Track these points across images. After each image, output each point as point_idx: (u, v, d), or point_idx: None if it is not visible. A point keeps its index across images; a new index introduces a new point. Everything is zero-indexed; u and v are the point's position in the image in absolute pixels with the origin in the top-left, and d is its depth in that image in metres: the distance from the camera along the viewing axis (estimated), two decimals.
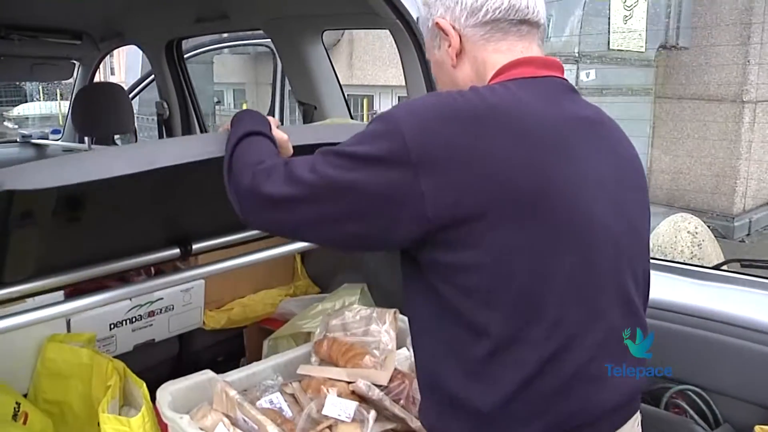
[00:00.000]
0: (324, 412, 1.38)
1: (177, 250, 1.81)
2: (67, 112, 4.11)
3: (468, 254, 0.95)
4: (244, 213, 1.13)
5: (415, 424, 1.49)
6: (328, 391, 1.48)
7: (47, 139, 4.20)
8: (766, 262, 1.74)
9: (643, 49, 6.80)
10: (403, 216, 0.95)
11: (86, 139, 2.88)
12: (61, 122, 10.96)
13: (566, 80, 1.12)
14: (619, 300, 1.05)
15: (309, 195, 1.01)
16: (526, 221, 0.95)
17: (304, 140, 1.56)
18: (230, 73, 12.62)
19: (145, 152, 1.38)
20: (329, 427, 1.37)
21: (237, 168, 1.17)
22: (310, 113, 2.54)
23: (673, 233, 3.95)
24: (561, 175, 0.98)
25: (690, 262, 3.54)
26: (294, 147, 1.41)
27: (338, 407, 1.38)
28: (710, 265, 1.79)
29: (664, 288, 1.69)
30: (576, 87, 1.22)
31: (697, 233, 4.01)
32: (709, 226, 7.10)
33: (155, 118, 4.85)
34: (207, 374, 1.53)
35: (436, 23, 1.12)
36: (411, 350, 1.14)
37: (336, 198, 0.99)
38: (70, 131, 4.04)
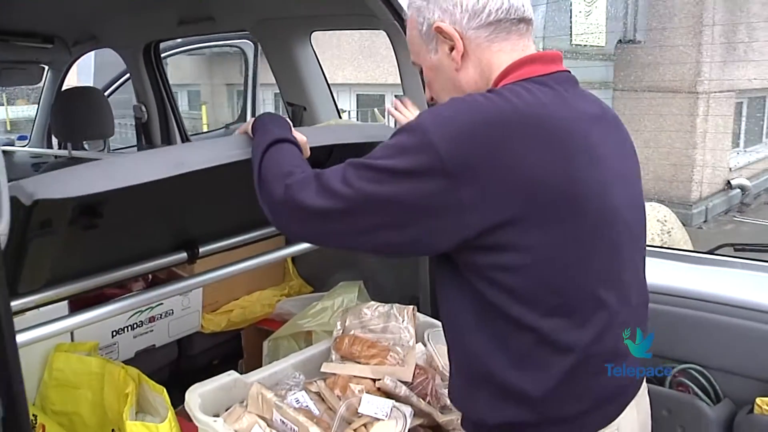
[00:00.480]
0: (360, 410, 1.40)
1: (184, 254, 1.81)
2: (34, 117, 3.99)
3: (508, 256, 0.99)
4: (278, 224, 1.16)
5: (442, 419, 1.53)
6: (357, 391, 1.51)
7: (13, 145, 4.10)
8: (757, 245, 1.84)
9: (603, 44, 6.99)
10: (444, 225, 0.98)
11: (69, 145, 2.82)
12: (9, 127, 10.64)
13: (570, 72, 1.15)
14: (636, 282, 1.13)
15: (345, 208, 1.03)
16: (562, 222, 0.99)
17: (321, 141, 1.58)
18: (185, 74, 12.42)
19: (172, 157, 1.38)
20: (364, 425, 1.39)
21: (268, 179, 1.18)
22: (299, 114, 2.55)
23: None
24: (589, 174, 1.02)
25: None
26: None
27: (374, 405, 1.41)
28: (705, 251, 1.87)
29: (663, 273, 1.78)
30: None
31: (666, 221, 4.15)
32: None
33: (125, 120, 4.78)
34: (232, 375, 1.54)
35: (437, 27, 1.11)
36: (450, 347, 1.17)
37: (374, 211, 1.01)
38: (38, 137, 3.94)
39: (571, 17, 6.33)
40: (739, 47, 8.00)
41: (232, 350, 2.45)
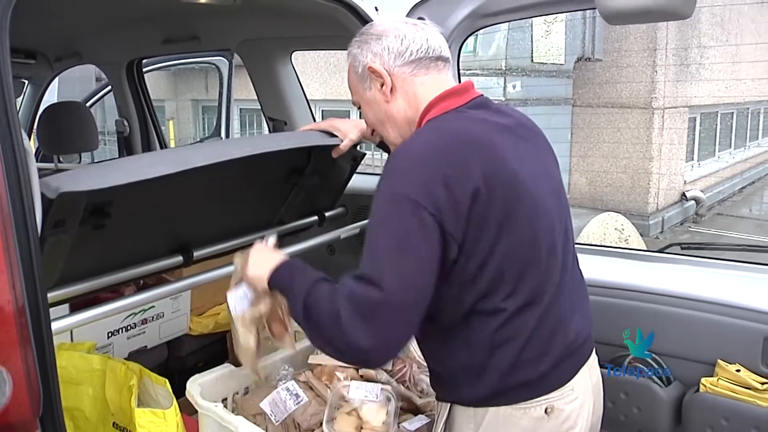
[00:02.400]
0: (350, 395, 1.55)
1: (180, 258, 1.93)
2: None
3: (474, 260, 1.18)
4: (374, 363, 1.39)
5: (419, 401, 1.69)
6: (342, 378, 1.66)
7: None
8: (701, 244, 2.05)
9: (562, 62, 7.31)
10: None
11: (55, 157, 2.91)
12: None
13: (482, 95, 1.38)
14: (563, 258, 1.34)
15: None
16: (507, 222, 1.19)
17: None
18: (150, 90, 12.42)
19: (180, 155, 1.52)
20: (354, 409, 1.54)
21: (325, 344, 1.22)
22: (280, 128, 2.70)
23: (602, 230, 4.32)
24: (519, 177, 1.23)
25: None
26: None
27: (363, 389, 1.56)
28: (656, 249, 2.07)
29: (620, 271, 1.97)
30: (504, 98, 1.48)
31: (623, 230, 4.41)
32: None
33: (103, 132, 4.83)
34: (228, 367, 1.67)
35: (369, 67, 1.34)
36: (419, 342, 1.38)
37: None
38: None
39: (531, 38, 6.63)
40: (691, 66, 8.42)
41: (218, 351, 2.56)
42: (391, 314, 1.12)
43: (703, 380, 1.77)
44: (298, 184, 2.11)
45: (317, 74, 10.03)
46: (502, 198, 1.18)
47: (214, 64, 4.49)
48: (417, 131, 1.30)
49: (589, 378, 1.36)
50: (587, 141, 8.07)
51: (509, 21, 1.89)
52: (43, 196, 1.26)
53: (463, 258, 1.17)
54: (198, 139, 10.11)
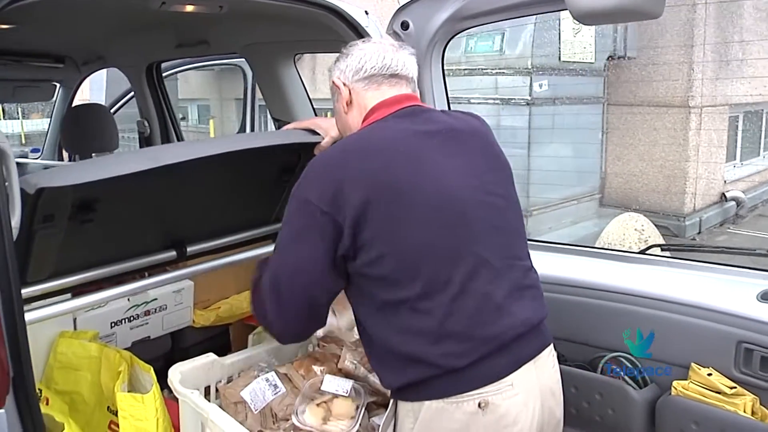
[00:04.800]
0: (323, 388, 1.62)
1: (174, 253, 2.04)
2: (46, 131, 4.26)
3: (370, 253, 1.31)
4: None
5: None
6: (318, 372, 1.73)
7: (26, 157, 4.37)
8: (680, 245, 2.04)
9: (592, 61, 7.22)
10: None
11: (76, 156, 3.07)
12: (23, 141, 10.98)
13: (413, 105, 1.50)
14: (497, 249, 1.39)
15: None
16: (400, 220, 1.31)
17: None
18: (194, 89, 12.75)
19: (151, 153, 1.63)
20: (326, 402, 1.61)
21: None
22: None
23: (622, 231, 4.28)
24: (419, 177, 1.34)
25: None
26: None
27: (335, 384, 1.63)
28: (637, 250, 2.08)
29: (599, 271, 1.99)
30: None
31: (643, 230, 4.35)
32: (662, 226, 7.52)
33: (125, 134, 5.04)
34: (210, 357, 1.77)
35: (333, 82, 1.58)
36: (359, 333, 1.48)
37: None
38: (50, 150, 4.21)
39: (559, 35, 6.58)
40: (732, 63, 8.20)
41: (222, 343, 2.67)
42: (287, 295, 1.39)
43: (674, 383, 1.77)
44: (290, 182, 2.20)
45: (307, 74, 10.10)
46: (394, 198, 1.30)
47: (238, 65, 4.65)
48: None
49: (536, 376, 1.38)
50: (622, 141, 7.95)
51: (486, 23, 1.94)
52: (23, 191, 1.38)
53: (361, 252, 1.31)
54: None
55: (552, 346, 1.48)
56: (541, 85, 6.46)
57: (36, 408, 1.34)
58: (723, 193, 8.61)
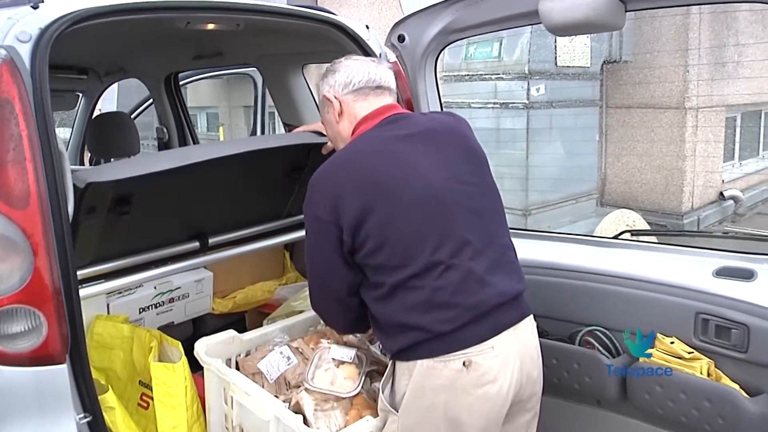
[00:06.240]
0: (330, 355, 1.86)
1: (197, 243, 2.29)
2: (68, 138, 4.52)
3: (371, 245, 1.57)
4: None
5: None
6: (326, 343, 1.97)
7: None
8: (648, 231, 2.27)
9: (588, 65, 7.44)
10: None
11: (101, 160, 3.33)
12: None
13: (394, 114, 1.73)
14: (478, 232, 1.62)
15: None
16: (388, 219, 1.56)
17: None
18: (203, 97, 13.01)
19: (184, 153, 1.87)
20: (333, 368, 1.86)
21: None
22: None
23: (614, 227, 4.50)
24: (401, 176, 1.59)
25: None
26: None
27: (341, 352, 1.88)
28: (611, 235, 2.30)
29: (576, 254, 2.21)
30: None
31: (635, 225, 4.56)
32: (660, 224, 7.70)
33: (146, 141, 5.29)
34: (230, 333, 2.01)
35: (324, 95, 1.78)
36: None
37: None
38: (72, 156, 4.47)
39: (555, 41, 6.81)
40: (728, 65, 8.39)
41: (239, 329, 2.89)
42: (322, 294, 1.72)
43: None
44: (300, 180, 2.44)
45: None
46: (384, 198, 1.56)
47: (249, 74, 4.91)
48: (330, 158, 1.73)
49: (515, 342, 1.60)
50: (621, 142, 8.14)
51: (473, 35, 2.18)
52: (75, 186, 1.63)
53: (361, 246, 1.57)
54: None
55: (531, 317, 1.70)
56: (538, 89, 6.70)
57: (86, 365, 1.58)
58: (721, 192, 8.78)
